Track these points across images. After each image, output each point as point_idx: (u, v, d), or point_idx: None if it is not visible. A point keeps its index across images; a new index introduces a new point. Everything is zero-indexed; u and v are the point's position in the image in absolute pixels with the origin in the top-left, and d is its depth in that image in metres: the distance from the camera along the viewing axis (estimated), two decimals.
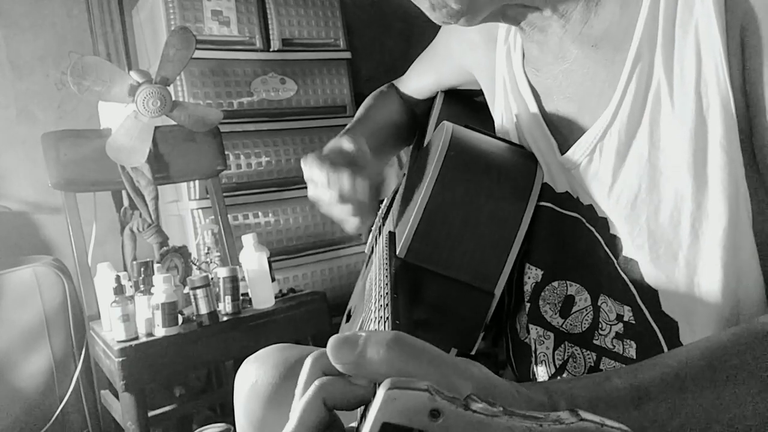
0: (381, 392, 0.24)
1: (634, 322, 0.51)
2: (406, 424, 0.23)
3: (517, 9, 0.54)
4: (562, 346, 0.55)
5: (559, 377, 0.55)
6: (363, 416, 0.27)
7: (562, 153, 0.55)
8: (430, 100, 0.93)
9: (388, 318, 0.37)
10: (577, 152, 0.53)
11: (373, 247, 0.84)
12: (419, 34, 2.70)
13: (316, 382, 0.30)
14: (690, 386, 0.35)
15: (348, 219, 0.66)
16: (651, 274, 0.49)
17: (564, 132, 0.57)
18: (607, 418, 0.23)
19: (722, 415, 0.34)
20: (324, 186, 0.63)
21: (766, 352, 0.36)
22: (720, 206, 0.45)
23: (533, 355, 0.57)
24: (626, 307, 0.51)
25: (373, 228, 0.96)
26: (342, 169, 0.62)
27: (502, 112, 0.66)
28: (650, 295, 0.49)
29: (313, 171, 0.63)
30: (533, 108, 0.59)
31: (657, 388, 0.34)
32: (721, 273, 0.45)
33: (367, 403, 0.29)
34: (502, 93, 0.65)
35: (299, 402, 0.30)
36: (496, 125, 0.68)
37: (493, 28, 0.67)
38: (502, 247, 0.51)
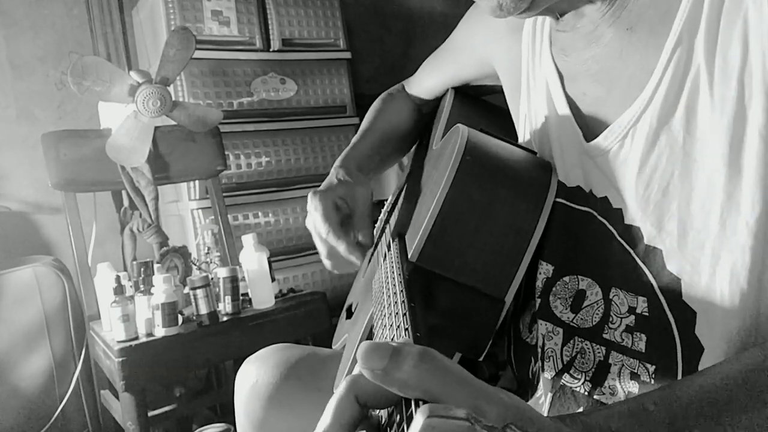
0: (419, 420, 0.23)
1: (647, 314, 0.50)
2: None
3: None
4: (572, 341, 0.55)
5: (565, 374, 0.55)
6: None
7: (588, 140, 0.55)
8: (438, 99, 0.92)
9: (407, 328, 0.37)
10: (608, 137, 0.52)
11: (376, 243, 0.84)
12: (419, 34, 2.71)
13: (348, 378, 0.30)
14: (725, 413, 0.35)
15: (326, 261, 0.77)
16: (676, 262, 0.49)
17: (589, 116, 0.56)
18: None
19: None
20: (316, 238, 0.74)
21: None
22: (754, 195, 0.44)
23: (540, 350, 0.57)
24: (641, 298, 0.50)
25: (375, 225, 0.96)
26: (331, 236, 0.71)
27: (526, 102, 0.65)
28: (671, 284, 0.49)
29: (314, 222, 0.73)
30: (557, 92, 0.59)
31: (693, 414, 0.35)
32: (749, 262, 0.45)
33: (396, 404, 0.29)
34: (526, 82, 0.65)
35: (331, 399, 0.30)
36: (517, 116, 0.68)
37: (518, 19, 0.67)
38: (514, 256, 0.51)
